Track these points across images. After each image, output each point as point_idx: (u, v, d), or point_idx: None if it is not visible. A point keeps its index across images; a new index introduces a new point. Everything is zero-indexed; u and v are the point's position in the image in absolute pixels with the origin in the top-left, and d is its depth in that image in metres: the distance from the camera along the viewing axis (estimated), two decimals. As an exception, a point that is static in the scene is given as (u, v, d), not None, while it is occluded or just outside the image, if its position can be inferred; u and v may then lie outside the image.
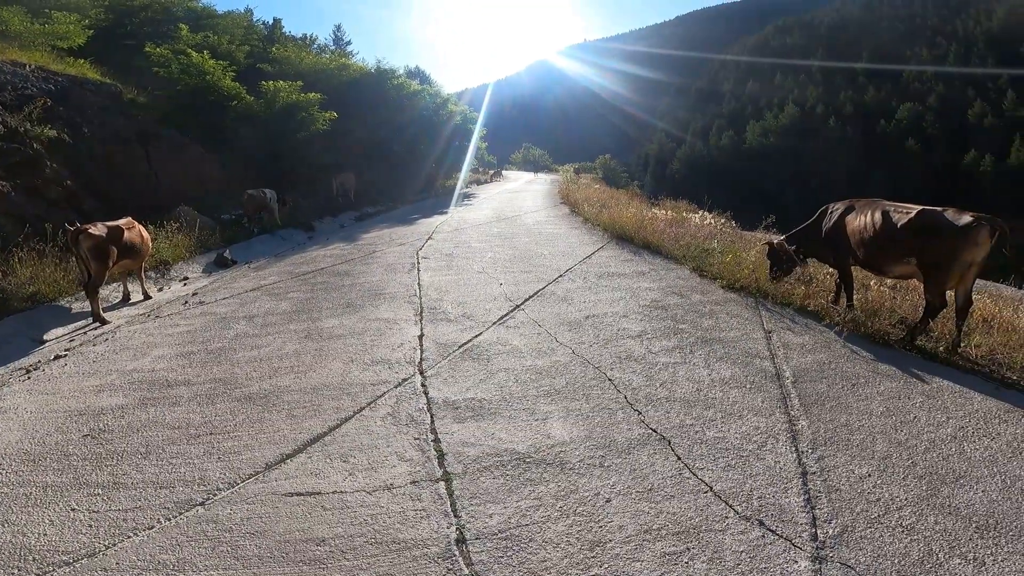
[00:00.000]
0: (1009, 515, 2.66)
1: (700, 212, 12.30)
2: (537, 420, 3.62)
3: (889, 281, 6.18)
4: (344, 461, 3.20)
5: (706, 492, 2.89)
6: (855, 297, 5.71)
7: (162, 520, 2.76)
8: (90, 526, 2.73)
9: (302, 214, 14.10)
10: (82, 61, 13.49)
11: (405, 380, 4.26)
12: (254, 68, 18.37)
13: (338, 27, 40.15)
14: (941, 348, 4.65)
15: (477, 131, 28.14)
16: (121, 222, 7.13)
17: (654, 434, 3.44)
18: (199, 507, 2.85)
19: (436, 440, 3.41)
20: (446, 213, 15.44)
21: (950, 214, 4.56)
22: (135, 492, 2.99)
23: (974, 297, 4.86)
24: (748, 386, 4.07)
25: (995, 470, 3.02)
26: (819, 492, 2.87)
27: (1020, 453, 3.17)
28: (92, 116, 12.03)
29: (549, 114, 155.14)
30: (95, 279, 6.53)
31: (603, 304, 6.07)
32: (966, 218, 4.41)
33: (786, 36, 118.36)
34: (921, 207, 4.80)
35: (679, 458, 3.19)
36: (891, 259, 4.96)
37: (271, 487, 2.98)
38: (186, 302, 7.10)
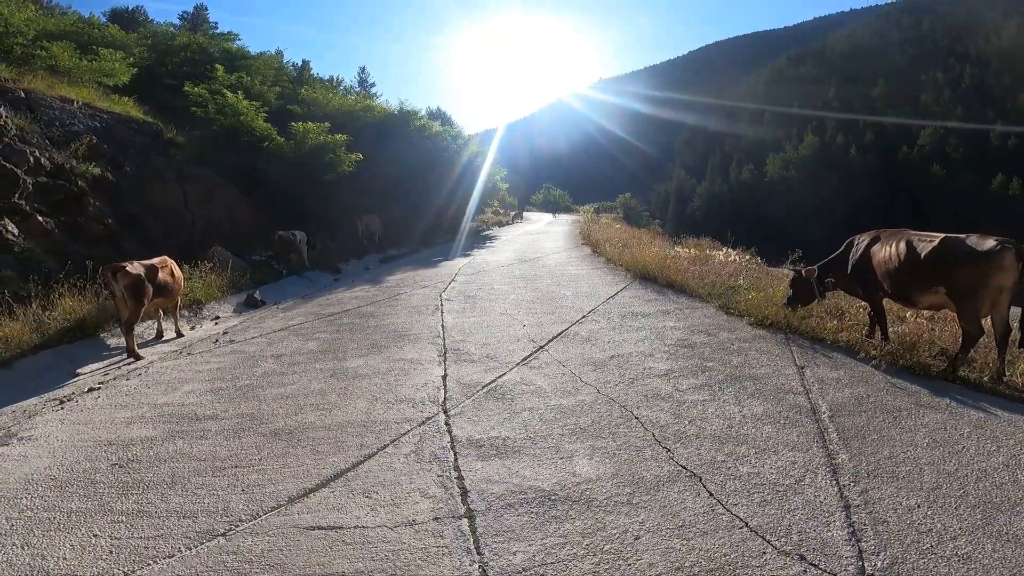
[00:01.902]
0: (1071, 543, 2.51)
1: (724, 249, 12.23)
2: (562, 458, 3.54)
3: (925, 312, 6.05)
4: (366, 496, 3.17)
5: (741, 528, 2.78)
6: (890, 330, 5.58)
7: (183, 549, 2.74)
8: (111, 552, 2.74)
9: (328, 256, 14.39)
10: (126, 99, 14.12)
11: (429, 419, 4.24)
12: (284, 109, 19.04)
13: (363, 69, 42.34)
14: (985, 378, 4.55)
15: (494, 171, 28.57)
16: (156, 261, 7.38)
17: (684, 471, 3.34)
18: (220, 537, 2.83)
19: (459, 477, 3.35)
20: (469, 255, 15.64)
21: (973, 240, 4.53)
22: (158, 521, 3.00)
23: (1015, 324, 4.72)
24: (782, 421, 3.96)
25: (1053, 496, 2.87)
26: (864, 525, 2.76)
27: (1077, 480, 3.01)
28: (134, 155, 12.53)
29: (568, 153, 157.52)
30: (130, 316, 6.73)
31: (628, 344, 6.00)
32: (990, 243, 4.38)
33: (799, 66, 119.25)
34: (944, 235, 4.79)
35: (711, 494, 3.08)
36: (919, 289, 4.92)
37: (293, 520, 2.96)
38: (217, 340, 7.25)
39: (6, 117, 9.89)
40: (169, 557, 2.69)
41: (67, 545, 2.80)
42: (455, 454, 3.66)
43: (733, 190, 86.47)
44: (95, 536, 2.87)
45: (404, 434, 3.98)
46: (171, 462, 3.67)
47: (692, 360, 5.36)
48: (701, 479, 3.23)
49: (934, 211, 60.76)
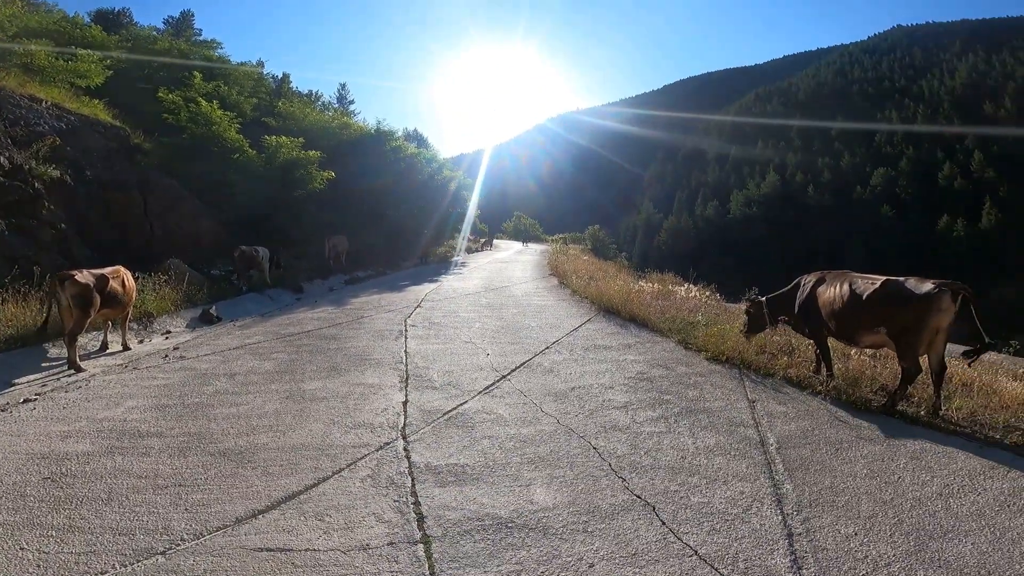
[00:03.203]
0: (1001, 565, 2.70)
1: (686, 285, 12.58)
2: (520, 486, 3.54)
3: (868, 350, 6.33)
4: (319, 520, 3.08)
5: (691, 556, 2.84)
6: (835, 366, 5.83)
7: (117, 566, 2.60)
8: (38, 566, 2.58)
9: (293, 275, 14.11)
10: (96, 101, 13.70)
11: (387, 444, 4.17)
12: (259, 121, 18.78)
13: (343, 86, 42.39)
14: (922, 412, 4.77)
15: (474, 199, 28.70)
16: (108, 270, 7.11)
17: (639, 500, 3.39)
18: (159, 556, 2.70)
19: (416, 503, 3.30)
20: (436, 281, 15.59)
21: (912, 283, 4.78)
22: (91, 537, 2.84)
23: (951, 362, 5.00)
24: (733, 453, 4.08)
25: (984, 523, 3.06)
26: (806, 552, 2.86)
27: (1008, 506, 3.22)
28: (97, 159, 12.13)
29: (539, 183, 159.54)
30: (75, 326, 6.44)
31: (589, 376, 6.08)
32: (927, 286, 4.63)
33: (766, 103, 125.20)
34: (885, 278, 5.04)
35: (664, 523, 3.14)
36: (862, 329, 5.16)
37: (239, 541, 2.84)
38: (166, 356, 6.97)
39: None
40: (100, 573, 2.54)
41: (-10, 559, 2.61)
42: (413, 479, 3.60)
43: (698, 225, 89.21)
44: (22, 549, 2.70)
45: (361, 458, 3.90)
46: (108, 478, 3.48)
47: (650, 393, 5.47)
48: (655, 508, 3.29)
49: (885, 249, 63.92)
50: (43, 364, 6.43)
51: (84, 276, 6.65)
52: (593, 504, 3.33)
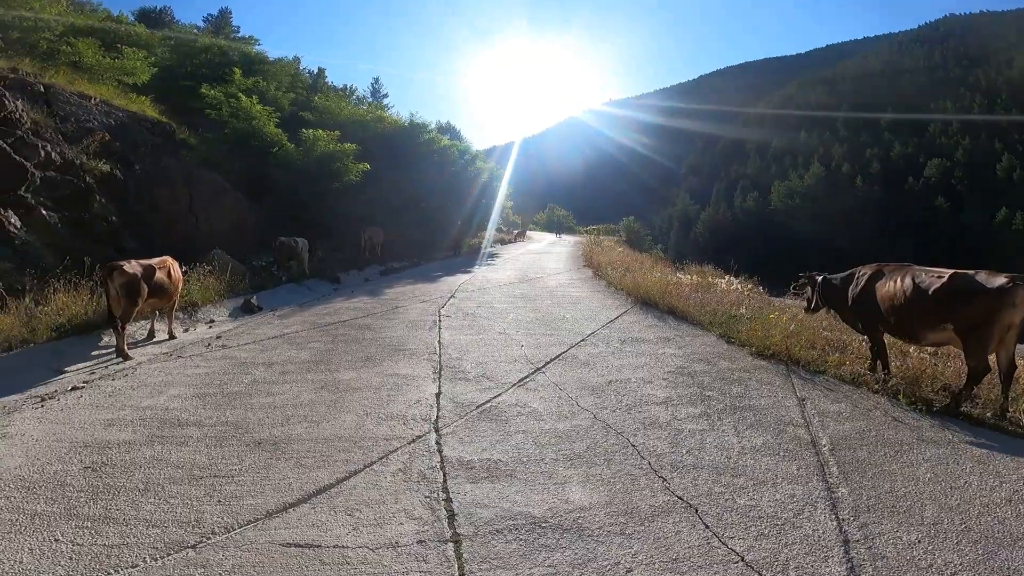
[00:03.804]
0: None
1: (726, 277, 12.14)
2: (555, 484, 3.40)
3: (928, 347, 5.98)
4: (349, 515, 3.02)
5: (737, 562, 2.66)
6: (892, 364, 5.52)
7: (147, 560, 2.60)
8: (70, 559, 2.60)
9: (329, 266, 14.33)
10: (143, 98, 14.18)
11: (419, 437, 4.10)
12: (296, 115, 19.11)
13: (376, 80, 42.79)
14: (988, 414, 4.49)
15: (504, 190, 28.58)
16: (155, 261, 7.29)
17: (680, 501, 3.21)
18: (189, 550, 2.68)
19: (448, 499, 3.21)
20: (470, 272, 15.57)
21: (982, 276, 4.49)
22: (125, 528, 2.86)
23: (1021, 361, 4.67)
24: (782, 454, 3.85)
25: (1057, 529, 2.81)
26: (864, 560, 2.67)
27: (1083, 513, 2.94)
28: (145, 154, 12.51)
29: (574, 174, 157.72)
30: (123, 315, 6.63)
31: (626, 370, 5.88)
32: (1000, 280, 4.34)
33: (809, 93, 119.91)
34: (953, 271, 4.72)
35: (707, 526, 2.96)
36: (926, 326, 4.84)
37: (269, 536, 2.81)
38: (209, 345, 7.13)
39: (22, 110, 9.91)
40: (132, 567, 2.54)
41: (25, 549, 2.65)
42: (444, 474, 3.51)
43: (738, 217, 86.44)
44: (56, 541, 2.73)
45: (393, 451, 3.84)
46: (147, 468, 3.52)
47: (691, 388, 5.25)
48: (697, 510, 3.12)
49: (937, 243, 60.63)
50: (93, 352, 6.66)
51: (132, 266, 6.84)
52: (631, 505, 3.17)
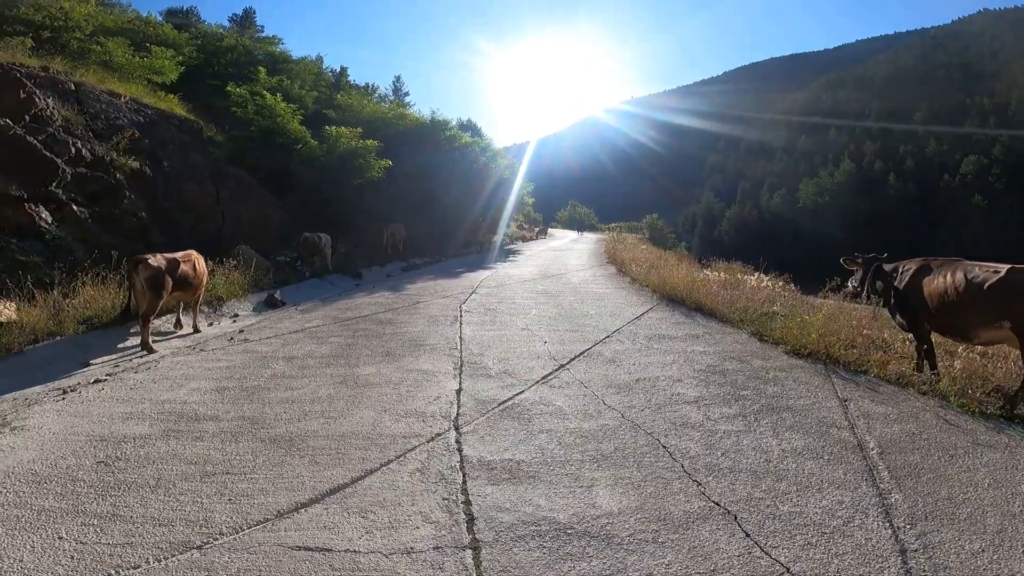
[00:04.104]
0: None
1: (755, 274, 11.71)
2: (581, 487, 3.20)
3: (977, 347, 5.63)
4: (363, 517, 2.87)
5: (782, 574, 2.46)
6: (939, 364, 5.19)
7: (151, 560, 2.49)
8: (72, 557, 2.50)
9: (352, 261, 14.34)
10: (171, 96, 14.39)
11: (439, 435, 3.94)
12: (320, 113, 19.27)
13: (398, 78, 43.08)
14: None
15: (524, 186, 28.37)
16: (179, 255, 7.31)
17: (716, 507, 3.00)
18: (195, 551, 2.57)
19: (467, 502, 3.04)
20: (491, 268, 15.42)
21: None
22: (131, 527, 2.76)
23: None
24: (826, 457, 3.61)
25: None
26: (924, 571, 2.48)
27: None
28: (173, 151, 12.67)
29: (595, 171, 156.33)
30: (148, 308, 6.65)
31: (655, 367, 5.64)
32: None
33: (839, 90, 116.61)
34: (1010, 266, 4.42)
35: (747, 535, 2.75)
36: (980, 324, 4.53)
37: (278, 538, 2.68)
38: (231, 338, 7.11)
39: (53, 107, 10.08)
40: (134, 568, 2.44)
41: (27, 546, 2.57)
42: (464, 475, 3.35)
43: (763, 215, 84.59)
44: (60, 539, 2.64)
45: (411, 450, 3.69)
46: (160, 463, 3.44)
47: (724, 388, 4.98)
48: (736, 517, 2.91)
49: (975, 241, 58.40)
50: (119, 345, 6.69)
51: (157, 260, 6.85)
52: (664, 510, 2.96)
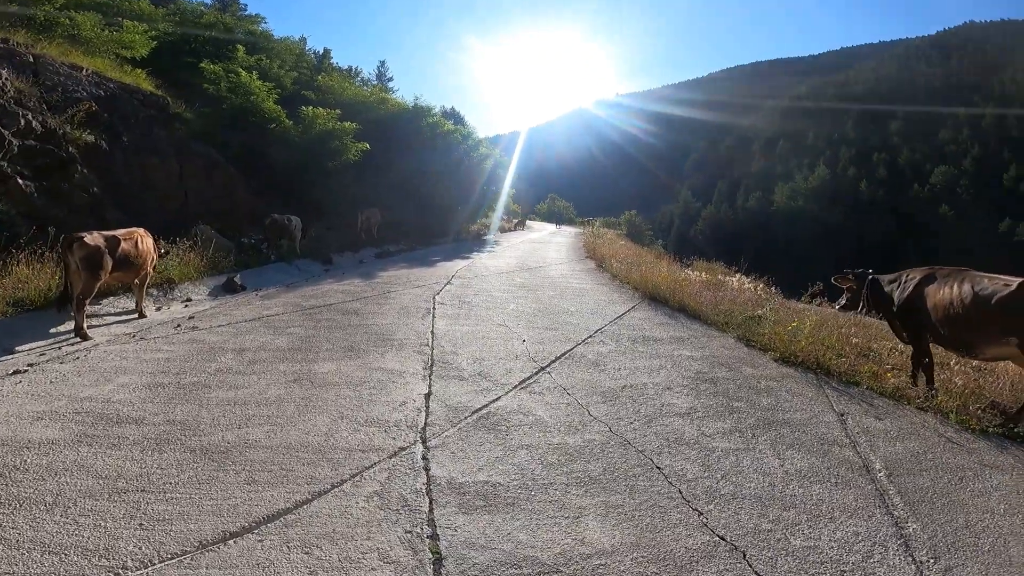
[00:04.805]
0: None
1: (737, 275, 11.52)
2: (568, 518, 2.76)
3: (973, 362, 5.56)
4: (306, 553, 2.37)
5: None
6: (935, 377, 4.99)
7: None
8: None
9: (323, 246, 13.67)
10: (139, 71, 13.55)
11: (403, 449, 3.45)
12: (298, 94, 18.56)
13: (382, 63, 41.89)
14: None
15: (508, 179, 27.98)
16: (121, 232, 6.63)
17: (722, 542, 2.63)
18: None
19: (434, 536, 2.57)
20: (469, 258, 14.90)
21: None
22: (13, 554, 2.22)
23: None
24: (833, 480, 3.30)
25: None
26: None
27: None
28: (135, 126, 11.94)
29: (575, 166, 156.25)
30: (83, 290, 5.98)
31: (641, 373, 5.24)
32: None
33: (819, 96, 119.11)
34: (1021, 279, 4.18)
35: (759, 575, 2.36)
36: (986, 339, 4.30)
37: (195, 582, 2.16)
38: (179, 325, 6.46)
39: (6, 79, 9.29)
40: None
41: None
42: (431, 501, 2.86)
43: (739, 216, 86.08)
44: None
45: (369, 467, 3.17)
46: (63, 475, 2.86)
47: (716, 398, 4.61)
48: (745, 555, 2.55)
49: (938, 249, 60.55)
50: (52, 330, 5.98)
51: (94, 238, 6.16)
52: (664, 547, 2.55)
